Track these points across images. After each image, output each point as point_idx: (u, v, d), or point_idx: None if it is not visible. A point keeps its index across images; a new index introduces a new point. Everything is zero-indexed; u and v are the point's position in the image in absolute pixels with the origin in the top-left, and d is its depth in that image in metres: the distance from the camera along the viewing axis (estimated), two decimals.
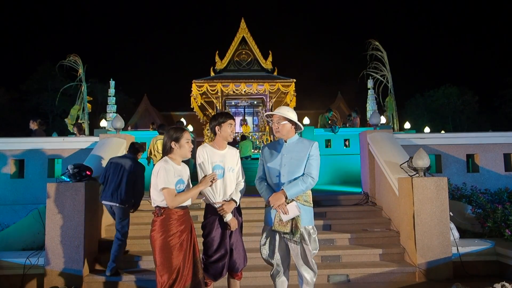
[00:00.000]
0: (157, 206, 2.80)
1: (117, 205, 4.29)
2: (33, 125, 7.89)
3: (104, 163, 5.16)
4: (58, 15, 61.67)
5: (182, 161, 2.97)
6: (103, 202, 4.46)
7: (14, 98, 28.87)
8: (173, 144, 2.84)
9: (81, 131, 9.25)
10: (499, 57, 51.48)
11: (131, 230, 5.00)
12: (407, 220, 4.52)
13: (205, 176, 2.89)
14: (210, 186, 2.91)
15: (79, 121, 11.26)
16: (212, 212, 3.06)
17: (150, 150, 6.76)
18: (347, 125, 12.80)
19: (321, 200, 5.81)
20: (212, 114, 18.97)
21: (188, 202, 2.87)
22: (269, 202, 2.98)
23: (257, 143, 17.77)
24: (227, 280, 3.21)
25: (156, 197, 2.78)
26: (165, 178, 2.71)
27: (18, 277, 4.21)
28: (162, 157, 2.89)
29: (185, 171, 2.95)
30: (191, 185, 2.98)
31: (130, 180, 4.37)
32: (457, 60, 56.40)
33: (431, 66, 56.62)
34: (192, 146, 2.95)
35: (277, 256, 3.07)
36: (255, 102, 20.97)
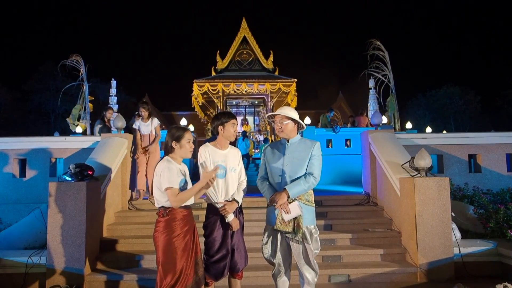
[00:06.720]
0: (162, 207, 2.78)
1: None
2: (109, 115, 8.25)
3: (105, 162, 5.16)
4: (60, 14, 61.79)
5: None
6: None
7: (16, 97, 28.91)
8: (174, 143, 2.82)
9: None
10: (502, 56, 51.37)
11: (132, 230, 5.04)
12: (409, 220, 4.51)
13: (205, 172, 2.79)
14: (212, 183, 2.80)
15: (81, 121, 11.22)
16: (213, 212, 3.06)
17: None
18: (348, 125, 12.78)
19: (322, 200, 5.81)
20: (213, 113, 19.00)
21: (190, 202, 2.86)
22: (271, 201, 2.98)
23: (256, 143, 17.75)
24: (228, 280, 3.21)
25: (160, 197, 2.77)
26: (169, 178, 2.69)
27: (20, 276, 4.22)
28: (163, 157, 2.88)
29: (186, 171, 2.95)
30: (191, 185, 2.97)
31: None
32: (459, 59, 56.34)
33: (433, 65, 56.53)
34: (193, 147, 2.94)
35: (278, 255, 3.07)
36: (256, 102, 20.98)
